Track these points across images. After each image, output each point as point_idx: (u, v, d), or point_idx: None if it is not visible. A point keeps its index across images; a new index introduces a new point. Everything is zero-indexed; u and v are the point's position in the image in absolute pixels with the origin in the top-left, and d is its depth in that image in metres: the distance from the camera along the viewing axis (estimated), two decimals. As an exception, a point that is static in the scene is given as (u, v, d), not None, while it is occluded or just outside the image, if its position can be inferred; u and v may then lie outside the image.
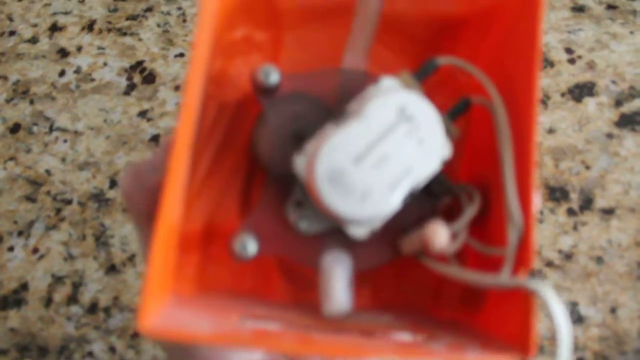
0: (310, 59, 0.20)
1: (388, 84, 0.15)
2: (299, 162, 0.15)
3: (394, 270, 0.16)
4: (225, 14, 0.17)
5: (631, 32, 0.35)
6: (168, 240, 0.14)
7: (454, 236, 0.15)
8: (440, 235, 0.13)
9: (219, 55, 0.18)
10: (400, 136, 0.15)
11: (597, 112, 0.33)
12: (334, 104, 0.17)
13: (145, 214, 0.16)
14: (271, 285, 0.18)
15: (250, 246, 0.16)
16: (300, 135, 0.17)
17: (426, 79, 0.16)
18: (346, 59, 0.18)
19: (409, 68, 0.20)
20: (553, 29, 0.35)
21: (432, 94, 0.16)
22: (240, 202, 0.18)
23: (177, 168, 0.14)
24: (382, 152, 0.15)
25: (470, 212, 0.15)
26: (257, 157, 0.17)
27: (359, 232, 0.15)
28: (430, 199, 0.16)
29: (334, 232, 0.16)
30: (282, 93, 0.17)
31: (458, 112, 0.16)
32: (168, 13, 0.37)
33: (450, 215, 0.16)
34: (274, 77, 0.17)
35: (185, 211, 0.16)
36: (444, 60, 0.16)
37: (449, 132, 0.16)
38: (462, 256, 0.16)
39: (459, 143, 0.17)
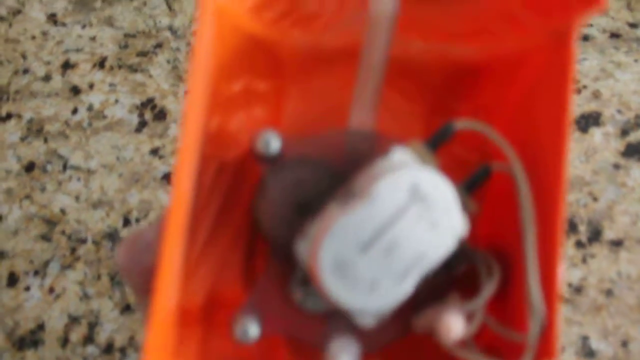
0: (316, 108, 0.20)
1: (399, 157, 0.15)
2: (302, 247, 0.15)
3: (406, 343, 0.16)
4: (222, 66, 0.17)
5: (635, 60, 0.35)
6: (165, 320, 0.14)
7: (469, 317, 0.14)
8: (454, 328, 0.13)
9: (217, 111, 0.17)
10: (412, 220, 0.14)
11: (604, 142, 0.33)
12: (340, 168, 0.17)
13: (143, 289, 0.16)
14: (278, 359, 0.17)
15: (252, 330, 0.15)
16: (304, 203, 0.16)
17: (442, 146, 0.16)
18: (352, 115, 0.18)
19: (424, 115, 0.19)
20: (558, 59, 0.35)
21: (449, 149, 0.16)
22: (242, 270, 0.17)
23: (171, 253, 0.13)
24: (391, 238, 0.14)
25: (488, 289, 0.15)
26: (259, 227, 0.17)
27: (366, 321, 0.15)
28: (446, 268, 0.16)
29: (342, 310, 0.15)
30: (285, 156, 0.17)
31: (477, 181, 0.16)
32: (177, 49, 0.38)
33: (466, 283, 0.16)
34: (274, 145, 0.16)
35: (184, 285, 0.16)
36: (461, 124, 0.16)
37: (465, 207, 0.15)
38: (479, 331, 0.16)
39: (479, 201, 0.17)
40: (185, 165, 0.15)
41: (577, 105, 0.34)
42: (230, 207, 0.18)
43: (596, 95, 0.34)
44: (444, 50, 0.19)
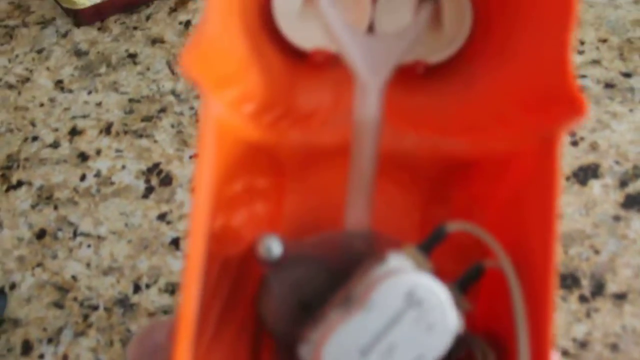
0: (316, 202, 0.20)
1: (394, 263, 0.16)
2: (305, 352, 0.16)
3: None
4: (223, 172, 0.17)
5: (630, 110, 0.35)
6: None
7: None
8: None
9: (220, 211, 0.18)
10: (409, 324, 0.15)
11: (603, 194, 0.33)
12: (339, 267, 0.18)
13: None
14: None
15: None
16: (306, 302, 0.17)
17: (435, 248, 0.17)
18: (348, 215, 0.19)
19: (420, 204, 0.20)
20: (554, 112, 0.36)
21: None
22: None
23: (182, 357, 0.14)
24: (389, 342, 0.15)
25: None
26: (263, 323, 0.18)
27: None
28: (445, 355, 0.16)
29: None
30: (286, 255, 0.18)
31: (470, 280, 0.17)
32: (181, 113, 0.39)
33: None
34: (276, 250, 0.17)
35: None
36: (452, 227, 0.17)
37: (459, 306, 0.16)
38: None
39: (475, 291, 0.18)
40: (193, 270, 0.15)
41: (575, 157, 0.34)
42: (235, 302, 0.19)
43: (594, 147, 0.35)
44: (436, 143, 0.20)
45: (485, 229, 0.18)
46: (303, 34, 0.20)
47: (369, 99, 0.18)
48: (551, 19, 0.17)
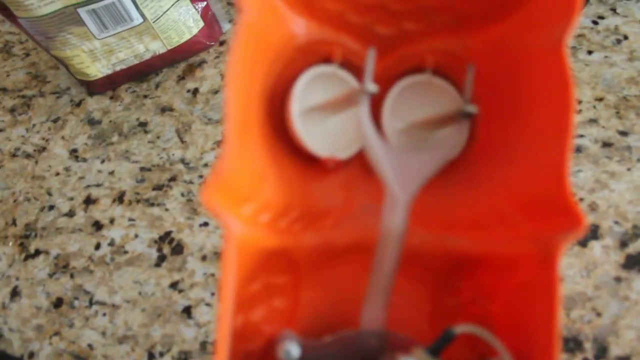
0: (331, 297, 0.22)
1: None
2: None
3: None
4: (244, 275, 0.19)
5: (628, 169, 0.36)
6: None
7: None
8: None
9: (240, 311, 0.19)
10: None
11: (604, 255, 0.34)
12: None
13: None
14: None
15: None
16: None
17: (443, 351, 0.18)
18: (365, 313, 0.20)
19: (430, 294, 0.21)
20: (553, 172, 0.37)
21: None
22: None
23: None
24: None
25: None
26: None
27: None
28: None
29: None
30: (304, 357, 0.19)
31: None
32: (190, 182, 0.40)
33: None
34: (294, 353, 0.18)
35: None
36: (460, 329, 0.18)
37: None
38: None
39: None
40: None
41: (575, 218, 0.35)
42: None
43: (593, 207, 0.35)
44: (444, 239, 0.21)
45: (492, 319, 0.19)
46: (319, 142, 0.21)
47: (397, 211, 0.19)
48: (549, 132, 0.18)
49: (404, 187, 0.20)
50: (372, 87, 0.20)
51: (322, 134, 0.21)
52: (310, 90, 0.21)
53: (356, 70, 0.22)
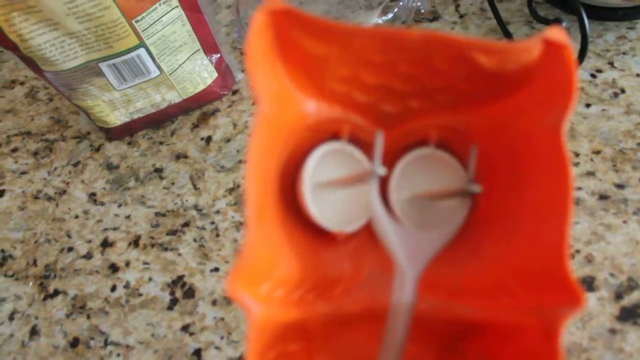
0: None
1: None
2: None
3: None
4: (262, 347, 0.20)
5: (624, 222, 0.37)
6: None
7: None
8: None
9: None
10: None
11: (599, 307, 0.35)
12: None
13: None
14: None
15: None
16: None
17: None
18: None
19: (436, 356, 0.23)
20: (551, 224, 0.38)
21: None
22: None
23: None
24: None
25: None
26: None
27: None
28: None
29: None
30: None
31: None
32: (203, 228, 0.42)
33: None
34: None
35: None
36: None
37: None
38: None
39: None
40: None
41: (572, 271, 0.36)
42: None
43: (589, 259, 0.37)
44: (449, 306, 0.22)
45: None
46: (328, 215, 0.23)
47: (407, 285, 0.21)
48: (548, 208, 0.19)
49: (414, 263, 0.21)
50: (381, 170, 0.21)
51: (331, 208, 0.23)
52: (320, 166, 0.23)
53: (364, 145, 0.24)
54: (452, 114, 0.22)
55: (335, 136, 0.23)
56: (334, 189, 0.23)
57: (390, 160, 0.24)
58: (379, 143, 0.22)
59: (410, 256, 0.21)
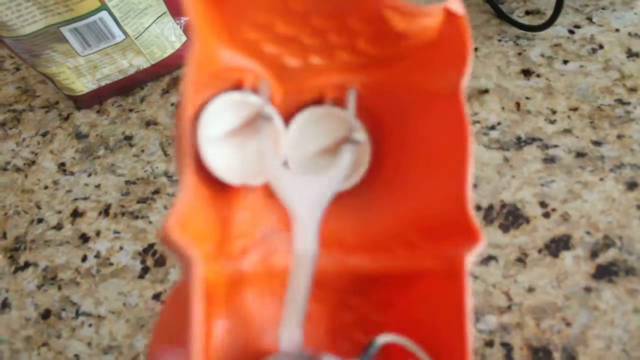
0: (245, 324, 0.22)
1: None
2: None
3: None
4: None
5: (601, 179, 0.37)
6: None
7: None
8: None
9: None
10: None
11: (574, 266, 0.35)
12: None
13: None
14: None
15: None
16: None
17: None
18: (282, 335, 0.21)
19: (326, 314, 0.22)
20: (527, 184, 0.37)
21: None
22: None
23: None
24: None
25: None
26: None
27: None
28: None
29: None
30: None
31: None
32: (173, 195, 0.41)
33: None
34: None
35: None
36: (383, 339, 0.19)
37: None
38: None
39: None
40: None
41: (547, 229, 0.36)
42: None
43: (565, 218, 0.36)
44: (343, 260, 0.22)
45: (388, 330, 0.20)
46: (234, 169, 0.22)
47: (307, 234, 0.20)
48: (446, 164, 0.19)
49: (310, 210, 0.20)
50: (269, 111, 0.21)
51: (239, 161, 0.22)
52: (222, 117, 0.22)
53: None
54: (350, 73, 0.22)
55: (237, 86, 0.22)
56: (242, 143, 0.22)
57: (287, 117, 0.23)
58: (265, 88, 0.22)
59: (306, 203, 0.21)
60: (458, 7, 0.20)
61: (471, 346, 0.18)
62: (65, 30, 0.39)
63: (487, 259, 0.35)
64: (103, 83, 0.44)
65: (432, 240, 0.20)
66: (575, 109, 0.39)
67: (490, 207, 0.37)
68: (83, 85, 0.44)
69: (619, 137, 0.38)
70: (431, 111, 0.20)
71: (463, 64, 0.19)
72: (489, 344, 0.33)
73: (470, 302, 0.18)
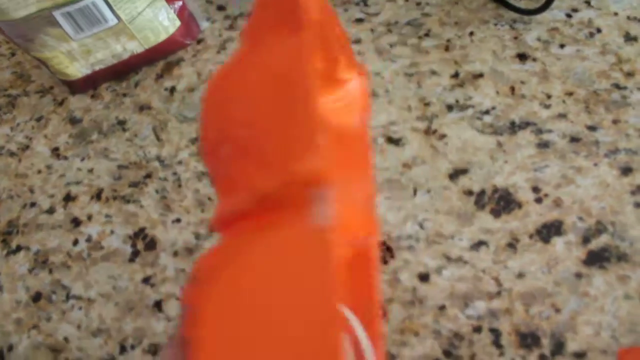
0: None
1: None
2: None
3: None
4: None
5: (595, 164, 0.36)
6: None
7: None
8: None
9: None
10: None
11: (566, 251, 0.34)
12: None
13: None
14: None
15: None
16: None
17: None
18: None
19: None
20: (520, 168, 0.37)
21: None
22: None
23: None
24: None
25: None
26: None
27: None
28: None
29: None
30: None
31: None
32: (165, 179, 0.41)
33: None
34: None
35: None
36: None
37: None
38: None
39: None
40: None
41: (539, 215, 0.35)
42: None
43: (557, 203, 0.35)
44: None
45: None
46: None
47: None
48: None
49: None
50: None
51: None
52: None
53: None
54: None
55: None
56: None
57: None
58: None
59: None
60: None
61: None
62: (57, 14, 0.39)
63: (478, 244, 0.35)
64: (97, 68, 0.44)
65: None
66: (570, 94, 0.39)
67: (482, 192, 0.36)
68: (77, 70, 0.44)
69: (615, 122, 0.37)
70: None
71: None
72: (477, 329, 0.33)
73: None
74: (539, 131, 0.38)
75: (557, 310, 0.33)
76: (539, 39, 0.41)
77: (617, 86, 0.38)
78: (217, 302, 0.15)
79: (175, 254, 0.38)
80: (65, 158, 0.44)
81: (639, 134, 0.36)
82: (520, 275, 0.34)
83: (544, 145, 0.37)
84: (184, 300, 0.16)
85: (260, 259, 0.15)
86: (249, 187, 0.18)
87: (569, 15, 0.42)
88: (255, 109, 0.18)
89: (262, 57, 0.20)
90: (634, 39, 0.40)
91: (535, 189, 0.36)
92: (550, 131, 0.38)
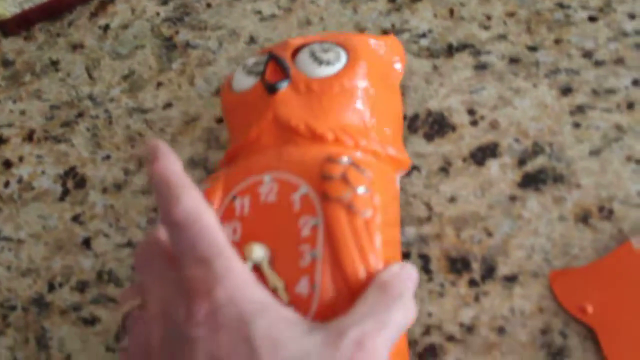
0: None
1: None
2: None
3: None
4: None
5: (534, 85, 0.34)
6: None
7: None
8: None
9: None
10: None
11: (500, 174, 0.33)
12: None
13: None
14: None
15: None
16: None
17: None
18: None
19: None
20: (455, 91, 0.35)
21: None
22: None
23: None
24: None
25: None
26: None
27: None
28: None
29: None
30: None
31: None
32: (96, 117, 0.40)
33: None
34: None
35: None
36: None
37: None
38: None
39: None
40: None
41: (474, 137, 0.34)
42: None
43: (494, 125, 0.34)
44: None
45: None
46: None
47: None
48: None
49: None
50: None
51: None
52: None
53: None
54: None
55: None
56: None
57: None
58: None
59: None
60: None
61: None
62: (-25, -54, 0.38)
63: (409, 169, 0.33)
64: (26, 6, 0.43)
65: None
66: (512, 14, 0.37)
67: (416, 116, 0.35)
68: (4, 8, 0.42)
69: (557, 41, 0.35)
70: None
71: None
72: (406, 255, 0.32)
73: None
74: (477, 53, 0.36)
75: (489, 234, 0.31)
76: (482, -40, 0.39)
77: (561, 5, 0.36)
78: None
79: (104, 190, 0.37)
80: (-1, 101, 0.43)
81: (581, 53, 0.35)
82: (452, 200, 0.33)
83: (481, 67, 0.35)
84: None
85: None
86: None
87: None
88: None
89: None
90: (581, -45, 0.38)
91: (471, 112, 0.34)
92: (489, 53, 0.36)
